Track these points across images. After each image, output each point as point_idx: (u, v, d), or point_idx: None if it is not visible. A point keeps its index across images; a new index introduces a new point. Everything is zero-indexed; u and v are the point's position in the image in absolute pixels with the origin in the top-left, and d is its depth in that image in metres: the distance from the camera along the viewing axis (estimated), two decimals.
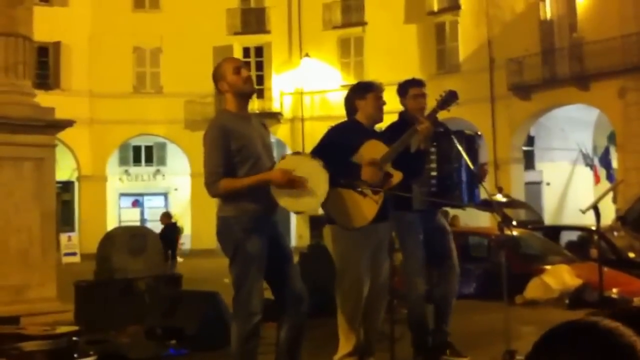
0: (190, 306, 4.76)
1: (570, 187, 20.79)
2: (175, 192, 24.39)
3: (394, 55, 20.40)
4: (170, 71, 22.31)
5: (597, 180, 19.61)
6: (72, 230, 20.59)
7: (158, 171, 24.50)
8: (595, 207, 3.92)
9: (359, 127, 3.79)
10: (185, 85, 21.65)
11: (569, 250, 8.52)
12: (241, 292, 3.06)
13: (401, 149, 3.67)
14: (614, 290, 6.14)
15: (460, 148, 3.72)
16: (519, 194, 17.95)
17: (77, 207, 22.47)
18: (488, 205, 4.27)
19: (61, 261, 15.12)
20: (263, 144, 3.22)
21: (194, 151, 20.89)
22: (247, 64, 22.28)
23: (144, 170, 24.50)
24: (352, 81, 17.96)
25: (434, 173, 3.83)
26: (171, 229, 13.64)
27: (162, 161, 24.52)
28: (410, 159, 3.72)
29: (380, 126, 3.94)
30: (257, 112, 19.88)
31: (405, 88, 4.08)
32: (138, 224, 21.93)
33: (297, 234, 19.30)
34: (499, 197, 12.10)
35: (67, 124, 5.75)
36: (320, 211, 3.73)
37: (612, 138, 18.71)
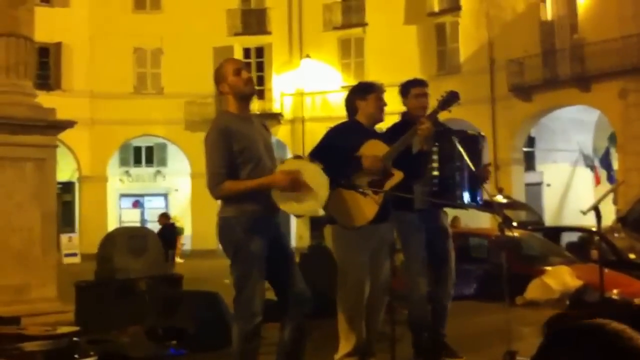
0: (190, 306, 4.76)
1: (570, 188, 20.79)
2: (175, 192, 24.41)
3: (394, 56, 20.41)
4: (170, 72, 22.33)
5: (597, 181, 19.62)
6: (73, 230, 20.61)
7: (158, 172, 24.52)
8: (596, 208, 3.92)
9: (360, 128, 3.80)
10: (185, 86, 21.67)
11: (569, 251, 8.52)
12: (242, 292, 3.07)
13: (402, 148, 3.67)
14: (615, 291, 6.14)
15: (460, 148, 3.72)
16: (519, 195, 17.95)
17: (78, 208, 22.48)
18: (489, 207, 4.27)
19: (62, 261, 15.13)
20: (265, 145, 3.22)
21: (194, 152, 20.91)
22: (248, 64, 22.30)
23: (144, 171, 24.52)
24: (353, 82, 17.96)
25: (435, 173, 3.83)
26: (169, 230, 13.67)
27: (162, 162, 24.54)
28: (411, 160, 3.72)
29: (381, 127, 3.94)
30: (258, 113, 19.89)
31: (407, 88, 4.09)
32: (138, 224, 21.95)
33: (298, 234, 19.31)
34: (500, 198, 12.11)
35: (68, 124, 5.76)
36: (321, 213, 3.74)
37: (612, 139, 18.71)
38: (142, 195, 24.88)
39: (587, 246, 8.58)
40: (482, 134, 4.25)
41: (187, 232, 21.85)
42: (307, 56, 22.48)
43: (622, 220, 10.54)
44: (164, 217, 14.56)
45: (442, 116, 3.92)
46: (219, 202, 3.23)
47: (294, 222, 19.56)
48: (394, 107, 4.22)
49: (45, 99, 6.28)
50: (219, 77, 3.23)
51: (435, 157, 3.84)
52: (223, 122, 3.16)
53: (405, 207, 3.87)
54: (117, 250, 5.51)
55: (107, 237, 5.99)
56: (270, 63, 23.08)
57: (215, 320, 4.60)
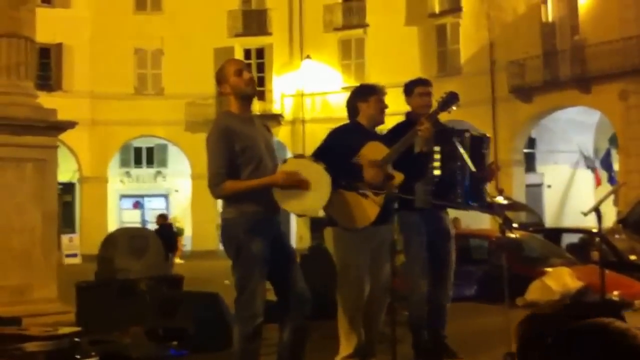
0: (191, 307, 4.77)
1: (571, 190, 20.79)
2: (176, 193, 24.42)
3: (395, 57, 20.42)
4: (171, 73, 22.35)
5: (598, 182, 19.60)
6: (73, 231, 20.62)
7: (159, 173, 24.53)
8: (596, 210, 3.92)
9: (361, 129, 3.81)
10: (186, 86, 21.68)
11: (570, 252, 8.52)
12: (244, 293, 3.07)
13: (402, 150, 3.68)
14: (615, 292, 6.13)
15: (461, 149, 3.72)
16: (519, 197, 17.95)
17: (78, 209, 22.50)
18: (489, 208, 4.27)
19: (62, 262, 15.14)
20: (266, 145, 3.23)
21: (194, 153, 20.92)
22: (248, 65, 22.10)
23: (144, 171, 24.53)
24: (353, 83, 17.98)
25: (437, 172, 3.84)
26: (166, 230, 13.68)
27: (163, 163, 24.55)
28: (411, 161, 3.72)
29: (381, 128, 3.94)
30: (258, 113, 19.90)
31: (412, 87, 4.10)
32: (139, 225, 21.94)
33: (298, 235, 19.31)
34: (500, 200, 12.10)
35: (69, 125, 5.76)
36: (321, 213, 3.74)
37: (613, 140, 18.71)
38: (142, 196, 24.89)
39: (587, 247, 8.58)
40: (487, 135, 4.23)
41: (187, 232, 21.86)
42: (308, 57, 22.49)
43: (623, 221, 10.53)
44: (161, 218, 14.63)
45: (443, 117, 3.92)
46: (219, 203, 3.24)
47: (294, 223, 19.57)
48: (394, 109, 4.23)
49: (46, 99, 6.29)
50: (220, 78, 3.23)
51: (437, 156, 3.84)
52: (224, 122, 3.17)
53: (407, 207, 3.87)
54: (118, 251, 5.52)
55: (108, 237, 6.00)
56: (270, 64, 23.10)
57: (216, 321, 4.60)
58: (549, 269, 7.12)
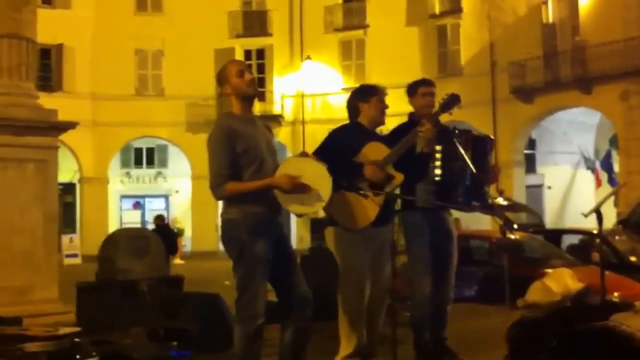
0: (192, 308, 4.77)
1: (571, 191, 20.79)
2: (176, 194, 24.44)
3: (395, 58, 20.43)
4: (172, 74, 22.37)
5: (598, 183, 19.61)
6: (74, 231, 20.62)
7: (159, 173, 24.55)
8: (597, 211, 3.92)
9: (361, 130, 3.81)
10: (186, 87, 21.71)
11: (570, 253, 8.51)
12: (245, 294, 3.07)
13: (403, 151, 3.68)
14: (616, 294, 6.13)
15: (461, 150, 3.72)
16: (520, 197, 17.95)
17: (79, 209, 22.52)
18: (490, 209, 4.27)
19: (62, 262, 15.14)
20: (267, 146, 3.23)
21: (195, 153, 20.93)
22: (249, 66, 22.13)
23: (145, 172, 24.55)
24: (354, 84, 17.98)
25: (438, 171, 3.84)
26: (164, 231, 13.70)
27: (163, 163, 24.57)
28: (413, 162, 3.73)
29: (382, 129, 3.95)
30: (258, 114, 19.89)
31: (415, 87, 4.10)
32: (139, 225, 21.95)
33: (298, 236, 19.31)
34: (501, 200, 12.10)
35: (69, 125, 5.77)
36: (322, 213, 3.74)
37: (614, 141, 18.72)
38: (142, 197, 24.91)
39: (588, 249, 8.58)
40: (491, 136, 4.24)
41: (188, 233, 21.87)
42: (308, 58, 22.50)
43: (624, 222, 10.52)
44: (158, 219, 14.70)
45: (443, 119, 3.92)
46: (219, 204, 3.24)
47: (294, 223, 19.58)
48: (395, 109, 4.23)
49: (46, 100, 6.29)
50: (222, 79, 3.24)
51: (438, 155, 3.85)
52: (226, 123, 3.17)
53: (410, 207, 3.88)
54: (119, 251, 5.52)
55: (109, 238, 6.00)
56: (271, 65, 23.11)
57: (217, 321, 4.61)
58: (550, 270, 7.11)
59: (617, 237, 8.97)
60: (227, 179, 3.06)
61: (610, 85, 16.64)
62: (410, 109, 4.17)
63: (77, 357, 3.67)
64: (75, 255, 17.86)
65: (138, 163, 24.50)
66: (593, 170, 20.11)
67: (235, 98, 3.22)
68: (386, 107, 3.86)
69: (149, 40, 22.30)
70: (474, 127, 17.29)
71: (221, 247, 3.26)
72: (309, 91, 22.86)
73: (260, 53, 23.24)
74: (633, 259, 8.31)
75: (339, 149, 3.60)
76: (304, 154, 3.31)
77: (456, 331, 4.26)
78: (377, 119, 3.84)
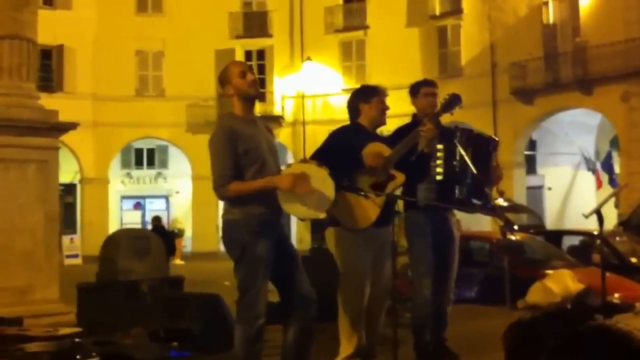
0: (192, 308, 4.77)
1: (572, 192, 20.78)
2: (176, 194, 24.45)
3: (396, 59, 20.44)
4: (172, 74, 22.38)
5: (599, 185, 19.60)
6: (74, 232, 20.62)
7: (160, 174, 24.57)
8: (598, 212, 3.92)
9: (362, 130, 3.82)
10: (187, 88, 21.72)
11: (571, 255, 8.51)
12: (247, 294, 3.07)
13: (404, 151, 3.68)
14: (617, 295, 6.13)
15: (462, 151, 3.72)
16: (520, 199, 17.94)
17: (80, 210, 22.53)
18: (491, 210, 4.27)
19: (63, 263, 15.14)
20: (269, 147, 3.24)
21: (195, 154, 20.95)
22: (249, 67, 22.15)
23: (145, 173, 24.57)
24: (354, 85, 17.98)
25: (439, 169, 3.85)
26: (160, 232, 13.71)
27: (164, 164, 24.59)
28: (414, 162, 3.73)
29: (382, 129, 3.95)
30: (259, 115, 19.89)
31: (417, 87, 4.11)
32: (140, 226, 21.97)
33: (298, 237, 19.32)
34: (501, 202, 12.10)
35: (70, 126, 5.77)
36: (322, 215, 3.74)
37: (614, 143, 18.71)
38: (143, 197, 24.93)
39: (589, 250, 8.57)
40: (496, 137, 4.23)
41: (188, 234, 21.87)
42: (309, 59, 22.51)
43: (624, 223, 10.54)
44: (155, 220, 14.71)
45: (445, 119, 3.92)
46: (220, 204, 3.24)
47: (294, 224, 19.59)
48: (395, 110, 4.23)
49: (47, 101, 6.29)
50: (224, 79, 3.25)
51: (440, 154, 3.85)
52: (228, 124, 3.18)
53: (413, 207, 3.89)
54: (120, 252, 5.52)
55: (110, 238, 6.00)
56: (271, 66, 23.13)
57: (217, 322, 4.61)
58: (550, 271, 7.11)
59: (617, 239, 8.96)
60: (231, 179, 3.07)
61: (611, 86, 16.64)
62: (411, 109, 4.17)
63: (78, 357, 3.67)
64: (76, 256, 17.86)
65: (139, 164, 24.51)
66: (594, 171, 20.10)
67: (237, 99, 3.23)
68: (387, 107, 3.87)
69: (149, 41, 22.31)
70: (475, 128, 17.26)
71: (222, 247, 3.26)
72: (309, 92, 22.87)
73: (261, 54, 23.26)
74: (634, 260, 8.31)
75: (340, 150, 3.60)
76: (304, 161, 3.32)
77: (457, 332, 4.26)
78: (377, 120, 3.85)
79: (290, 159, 19.89)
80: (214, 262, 15.40)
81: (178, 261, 17.87)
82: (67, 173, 20.76)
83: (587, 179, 20.30)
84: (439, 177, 3.83)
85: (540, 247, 8.51)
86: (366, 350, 3.75)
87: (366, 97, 3.86)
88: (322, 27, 22.82)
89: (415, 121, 3.98)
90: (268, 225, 3.12)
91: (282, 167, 3.25)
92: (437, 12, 21.22)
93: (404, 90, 4.21)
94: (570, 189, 20.89)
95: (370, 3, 22.26)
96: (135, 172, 24.44)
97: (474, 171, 3.69)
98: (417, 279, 4.02)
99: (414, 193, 3.91)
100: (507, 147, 19.48)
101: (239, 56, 21.83)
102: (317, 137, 18.66)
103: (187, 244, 21.44)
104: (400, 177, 3.65)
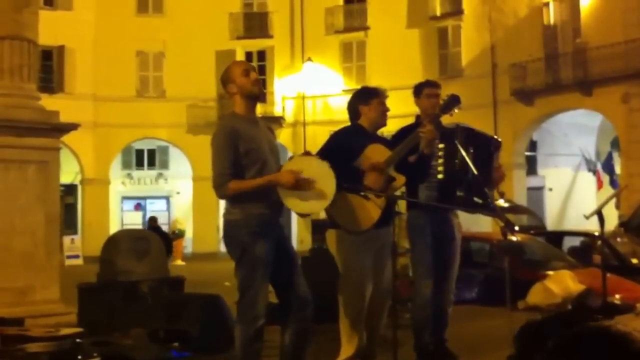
0: (193, 309, 4.77)
1: (572, 193, 20.77)
2: (177, 195, 24.46)
3: (396, 60, 20.45)
4: (173, 75, 22.39)
5: (599, 186, 19.60)
6: (75, 233, 20.64)
7: (160, 175, 24.58)
8: (599, 213, 3.92)
9: (362, 132, 3.82)
10: (188, 89, 21.73)
11: (571, 255, 8.51)
12: (247, 295, 3.08)
13: (404, 152, 3.69)
14: (617, 296, 6.12)
15: (462, 151, 3.73)
16: (521, 200, 17.93)
17: (80, 210, 22.54)
18: (492, 210, 4.28)
19: (64, 263, 15.15)
20: (270, 147, 3.25)
21: (196, 155, 20.95)
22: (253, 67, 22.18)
23: (146, 173, 24.58)
24: (354, 86, 17.98)
25: (440, 168, 3.85)
26: (155, 232, 13.69)
27: (164, 165, 24.59)
28: (414, 163, 3.73)
29: (383, 131, 3.95)
30: (259, 116, 19.91)
31: (420, 89, 4.11)
32: (140, 227, 21.97)
33: (299, 238, 19.32)
34: (501, 203, 12.09)
35: (71, 127, 5.78)
36: (322, 215, 3.75)
37: (615, 144, 18.71)
38: (144, 198, 24.93)
39: (589, 251, 8.57)
40: (499, 139, 4.23)
41: (189, 234, 21.88)
42: (309, 60, 22.51)
43: (625, 225, 10.53)
44: (151, 221, 14.71)
45: (445, 120, 3.93)
46: (220, 205, 3.25)
47: (295, 225, 19.59)
48: (396, 111, 4.23)
49: (48, 101, 6.31)
50: (227, 78, 3.25)
51: (441, 153, 3.85)
52: (229, 123, 3.19)
53: (415, 208, 3.89)
54: (121, 252, 5.52)
55: (110, 239, 6.00)
56: (272, 66, 23.13)
57: (217, 322, 4.61)
58: (551, 272, 7.11)
59: (618, 239, 8.96)
60: (231, 178, 3.07)
61: (611, 87, 16.64)
62: (411, 110, 4.18)
63: (79, 357, 3.68)
64: (76, 257, 17.87)
65: (139, 164, 24.52)
66: (594, 172, 20.10)
67: (240, 98, 3.23)
68: (387, 109, 3.87)
69: (150, 42, 22.33)
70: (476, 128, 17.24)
71: (222, 248, 3.28)
72: (309, 93, 22.87)
73: (261, 55, 23.27)
74: (634, 261, 8.30)
75: (341, 152, 3.60)
76: (307, 153, 3.31)
77: (457, 333, 4.26)
78: (377, 121, 3.85)
79: (297, 154, 19.88)
80: (214, 262, 15.40)
81: (178, 262, 17.87)
82: (68, 174, 20.77)
83: (587, 180, 20.29)
84: (440, 177, 3.83)
85: (541, 248, 8.51)
86: (366, 351, 3.75)
87: (366, 98, 3.86)
88: (323, 28, 22.83)
89: (418, 122, 3.98)
90: (268, 226, 3.13)
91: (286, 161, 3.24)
92: (438, 13, 21.22)
93: (404, 91, 4.22)
94: (570, 190, 20.88)
95: (371, 4, 22.27)
96: (136, 173, 24.45)
97: (474, 171, 3.69)
98: (417, 279, 4.02)
99: (415, 193, 3.91)
100: (507, 148, 19.48)
101: (240, 57, 21.82)
102: (317, 137, 18.66)
103: (187, 244, 21.44)
104: (400, 180, 3.66)
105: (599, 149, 20.28)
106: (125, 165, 24.16)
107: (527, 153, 20.47)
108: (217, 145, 3.12)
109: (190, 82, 21.56)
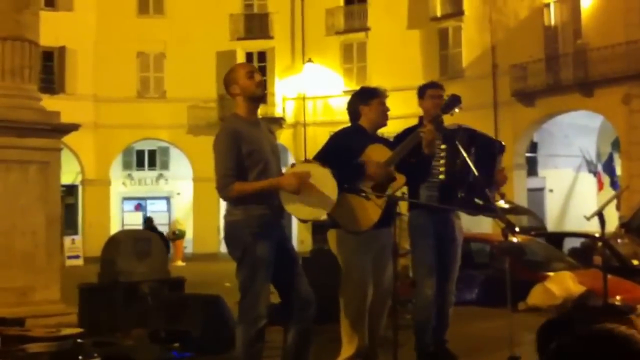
0: (193, 309, 4.78)
1: (573, 194, 20.76)
2: (177, 196, 24.47)
3: (396, 60, 20.45)
4: (173, 76, 22.40)
5: (600, 187, 19.59)
6: (76, 233, 20.65)
7: (161, 175, 24.58)
8: (599, 214, 3.92)
9: (363, 132, 3.82)
10: (188, 90, 21.74)
11: (572, 257, 8.51)
12: (248, 295, 3.08)
13: (405, 152, 3.69)
14: (618, 297, 6.12)
15: (463, 152, 3.73)
16: (521, 201, 17.93)
17: (81, 211, 22.54)
18: (492, 211, 4.28)
19: (64, 264, 15.16)
20: (271, 149, 3.26)
21: (196, 156, 20.95)
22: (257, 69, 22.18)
23: (147, 174, 24.59)
24: (355, 87, 17.95)
25: (442, 169, 3.85)
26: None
27: (165, 165, 24.61)
28: (415, 163, 3.73)
29: (383, 131, 3.96)
30: (260, 117, 19.91)
31: (424, 90, 4.12)
32: (141, 227, 21.97)
33: (299, 239, 19.31)
34: (502, 204, 12.09)
35: (72, 127, 5.79)
36: (324, 217, 3.75)
37: (615, 145, 18.70)
38: (144, 199, 24.94)
39: (590, 252, 8.57)
40: (502, 142, 4.24)
41: (189, 235, 21.89)
42: (310, 61, 22.52)
43: (626, 226, 10.53)
44: (147, 221, 14.73)
45: (447, 120, 3.93)
46: (221, 206, 3.26)
47: (295, 226, 19.58)
48: (396, 112, 4.23)
49: (49, 102, 6.32)
50: (230, 80, 3.26)
51: (442, 154, 3.85)
52: (232, 125, 3.20)
53: (416, 208, 3.89)
54: (121, 253, 5.53)
55: (111, 240, 6.01)
56: (272, 67, 23.13)
57: (218, 323, 4.61)
58: (552, 273, 7.11)
59: (619, 241, 8.96)
60: (234, 179, 3.08)
61: (612, 88, 16.64)
62: (412, 110, 4.18)
63: (79, 358, 3.68)
64: (77, 257, 17.89)
65: (140, 165, 24.53)
66: (595, 173, 20.09)
67: (243, 99, 3.24)
68: (387, 109, 3.87)
69: (150, 43, 22.34)
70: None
71: (222, 249, 3.28)
72: (310, 94, 22.88)
73: (262, 56, 23.27)
74: (635, 262, 8.30)
75: (341, 152, 3.61)
76: (307, 161, 3.33)
77: (457, 334, 4.26)
78: (378, 122, 3.85)
79: (291, 161, 19.88)
80: (214, 263, 15.40)
81: (179, 263, 17.88)
82: (69, 174, 20.78)
83: (588, 181, 20.28)
84: (441, 177, 3.83)
85: (542, 249, 8.51)
86: (367, 351, 3.75)
87: (366, 99, 3.86)
88: (323, 28, 22.83)
89: (422, 123, 3.99)
90: (269, 227, 3.13)
91: (284, 169, 3.25)
92: (438, 14, 21.22)
93: (404, 92, 4.23)
94: (571, 191, 20.87)
95: (371, 5, 22.28)
96: (137, 174, 24.46)
97: (475, 172, 3.69)
98: (419, 280, 4.02)
99: (417, 194, 3.91)
100: (508, 149, 19.06)
101: (240, 58, 21.85)
102: (317, 138, 18.66)
103: (187, 245, 21.44)
104: (400, 179, 3.66)
105: (599, 150, 20.27)
106: (126, 165, 24.17)
107: (528, 154, 20.46)
108: (220, 147, 3.13)
109: (190, 83, 21.56)
